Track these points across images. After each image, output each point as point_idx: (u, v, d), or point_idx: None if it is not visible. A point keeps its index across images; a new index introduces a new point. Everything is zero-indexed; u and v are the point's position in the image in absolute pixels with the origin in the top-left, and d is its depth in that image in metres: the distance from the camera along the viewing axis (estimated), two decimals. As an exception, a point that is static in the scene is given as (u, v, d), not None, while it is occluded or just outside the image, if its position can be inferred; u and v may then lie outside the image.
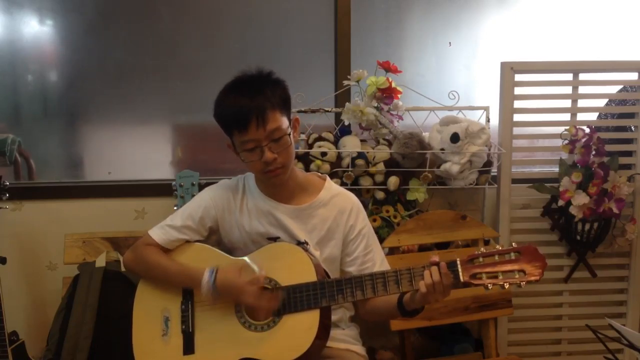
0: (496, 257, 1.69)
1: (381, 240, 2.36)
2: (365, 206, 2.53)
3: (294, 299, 1.79)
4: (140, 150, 2.86)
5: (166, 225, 1.94)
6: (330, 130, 2.66)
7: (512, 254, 1.68)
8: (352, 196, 2.03)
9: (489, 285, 1.67)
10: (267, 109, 1.78)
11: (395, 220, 2.58)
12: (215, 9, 2.78)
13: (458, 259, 1.71)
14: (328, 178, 2.04)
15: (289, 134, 1.83)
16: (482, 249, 1.72)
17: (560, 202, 2.66)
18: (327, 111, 2.66)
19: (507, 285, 1.66)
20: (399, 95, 2.56)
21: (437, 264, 1.70)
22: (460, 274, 1.69)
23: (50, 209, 2.68)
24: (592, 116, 2.84)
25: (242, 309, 1.83)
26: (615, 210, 2.62)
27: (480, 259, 1.69)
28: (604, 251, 2.80)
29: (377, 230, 2.50)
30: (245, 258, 1.88)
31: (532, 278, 1.65)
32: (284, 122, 1.83)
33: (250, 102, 1.77)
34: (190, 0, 2.78)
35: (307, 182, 1.99)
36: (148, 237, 1.94)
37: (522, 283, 1.66)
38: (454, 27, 2.92)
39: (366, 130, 2.61)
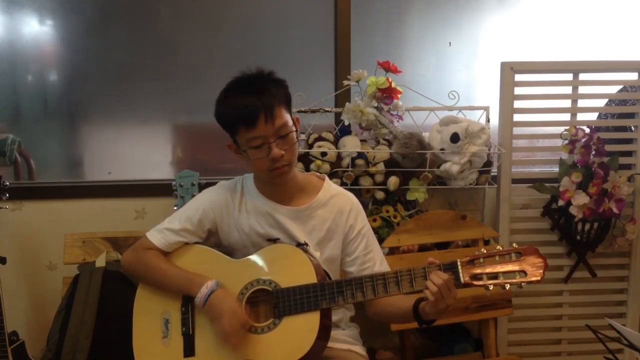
0: (497, 258, 1.69)
1: (381, 240, 2.36)
2: (365, 206, 2.53)
3: (294, 300, 1.78)
4: (140, 150, 2.86)
5: (164, 229, 1.93)
6: (330, 130, 2.66)
7: (513, 254, 1.68)
8: (351, 196, 2.02)
9: (490, 286, 1.67)
10: (275, 105, 1.79)
11: (395, 220, 2.58)
12: (215, 9, 2.78)
13: (459, 260, 1.70)
14: (327, 178, 2.03)
15: (295, 131, 1.84)
16: (482, 249, 1.71)
17: (560, 202, 2.66)
18: (327, 111, 2.66)
19: (508, 286, 1.67)
20: (399, 95, 2.57)
21: (437, 264, 1.71)
22: (461, 275, 1.69)
23: (50, 209, 2.68)
24: (592, 116, 2.84)
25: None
26: (615, 210, 2.62)
27: (481, 260, 1.69)
28: (604, 251, 2.80)
29: (377, 230, 2.50)
30: (250, 258, 1.88)
31: (533, 279, 1.65)
32: (289, 119, 1.84)
33: (257, 99, 1.77)
34: (191, 0, 2.78)
35: (305, 183, 1.98)
36: (146, 240, 1.92)
37: (522, 284, 1.66)
38: (454, 27, 2.92)
39: (366, 130, 2.61)
